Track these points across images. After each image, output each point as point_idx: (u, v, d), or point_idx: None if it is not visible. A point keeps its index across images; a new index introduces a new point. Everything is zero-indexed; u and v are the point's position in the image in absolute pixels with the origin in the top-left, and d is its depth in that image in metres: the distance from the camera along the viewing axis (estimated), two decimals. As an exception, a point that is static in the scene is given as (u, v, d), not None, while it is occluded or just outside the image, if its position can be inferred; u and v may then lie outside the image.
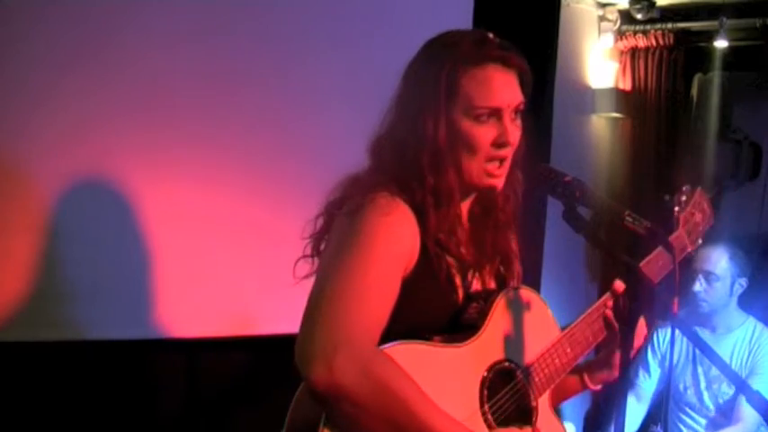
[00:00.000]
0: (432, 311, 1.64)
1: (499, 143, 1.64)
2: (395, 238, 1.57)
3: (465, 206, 1.75)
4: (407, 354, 1.52)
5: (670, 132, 4.83)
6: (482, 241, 1.75)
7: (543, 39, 4.05)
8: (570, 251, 4.32)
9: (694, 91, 4.85)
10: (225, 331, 2.95)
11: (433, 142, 1.63)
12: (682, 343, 3.55)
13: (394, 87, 1.74)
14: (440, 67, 1.64)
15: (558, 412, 1.81)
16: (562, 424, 1.79)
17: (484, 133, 1.64)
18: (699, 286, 3.45)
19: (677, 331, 3.51)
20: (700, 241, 2.09)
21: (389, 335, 1.54)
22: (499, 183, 1.69)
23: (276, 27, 3.03)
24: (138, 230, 2.73)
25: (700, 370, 3.52)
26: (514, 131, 1.67)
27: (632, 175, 4.91)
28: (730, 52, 4.61)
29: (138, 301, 2.77)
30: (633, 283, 1.54)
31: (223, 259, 2.92)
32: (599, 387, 1.87)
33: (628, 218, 1.58)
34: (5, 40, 2.44)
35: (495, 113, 1.64)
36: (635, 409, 3.63)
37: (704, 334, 3.55)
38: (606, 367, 1.85)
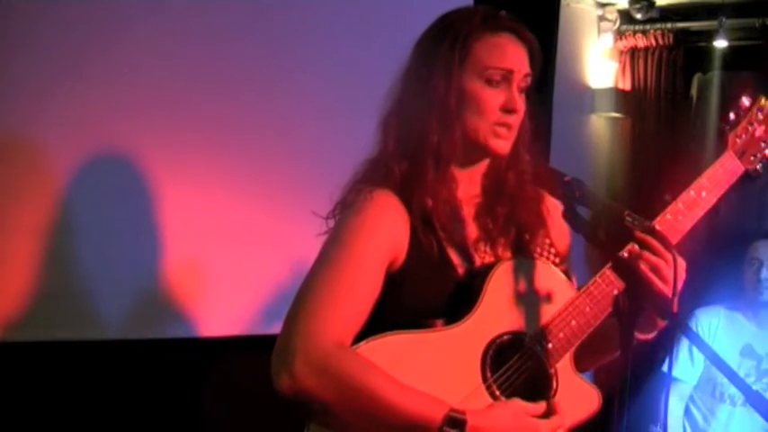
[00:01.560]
0: (430, 294, 1.64)
1: (508, 108, 1.67)
2: (370, 234, 1.60)
3: (475, 179, 1.76)
4: (388, 346, 1.54)
5: (670, 132, 4.83)
6: (494, 213, 1.75)
7: (543, 38, 4.03)
8: (570, 251, 4.32)
9: (694, 91, 4.86)
10: (231, 330, 2.96)
11: (443, 103, 1.66)
12: (729, 334, 3.53)
13: (392, 80, 1.75)
14: (455, 33, 1.68)
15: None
16: (591, 385, 1.73)
17: (493, 96, 1.67)
18: (765, 273, 3.49)
19: (712, 323, 3.59)
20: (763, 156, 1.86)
21: (390, 325, 1.57)
22: (505, 146, 1.70)
23: (282, 30, 3.03)
24: (146, 231, 2.74)
25: (749, 363, 3.50)
26: (521, 102, 1.70)
27: (632, 175, 4.91)
28: (730, 52, 4.61)
29: (143, 301, 2.77)
30: (632, 281, 1.53)
31: (230, 260, 2.93)
32: (650, 336, 1.72)
33: (627, 218, 1.57)
34: (11, 36, 2.45)
35: (507, 77, 1.68)
36: (677, 408, 3.55)
37: (750, 328, 3.56)
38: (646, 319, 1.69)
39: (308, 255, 1.70)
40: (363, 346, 1.54)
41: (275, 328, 1.53)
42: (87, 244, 2.62)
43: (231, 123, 2.90)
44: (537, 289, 1.70)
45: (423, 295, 1.63)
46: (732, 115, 1.87)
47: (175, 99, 2.78)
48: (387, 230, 1.62)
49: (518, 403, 1.60)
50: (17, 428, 2.46)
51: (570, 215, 1.61)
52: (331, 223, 1.72)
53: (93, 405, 2.61)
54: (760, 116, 1.87)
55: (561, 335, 1.67)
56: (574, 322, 1.68)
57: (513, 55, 1.69)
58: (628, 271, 1.58)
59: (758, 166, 1.85)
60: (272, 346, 1.55)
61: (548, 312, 1.69)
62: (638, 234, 1.61)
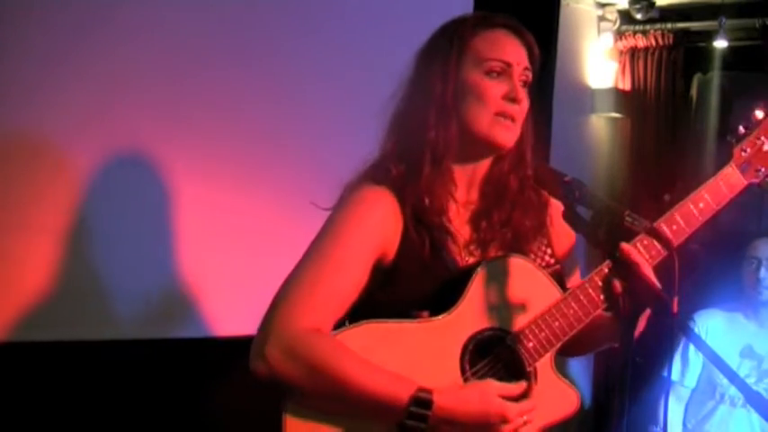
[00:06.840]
0: (419, 290, 1.67)
1: (510, 97, 1.70)
2: (357, 226, 1.65)
3: (475, 183, 1.77)
4: (367, 333, 1.59)
5: (670, 132, 4.83)
6: (490, 218, 1.76)
7: (543, 39, 4.03)
8: (573, 253, 4.32)
9: (694, 91, 4.86)
10: (230, 331, 2.96)
11: (440, 97, 1.69)
12: (728, 335, 3.53)
13: (394, 87, 1.78)
14: (451, 33, 1.72)
15: (565, 374, 1.75)
16: (571, 386, 1.74)
17: (494, 86, 1.70)
18: (764, 273, 3.49)
19: (711, 325, 3.57)
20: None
21: (382, 315, 1.62)
22: (509, 139, 1.71)
23: (277, 28, 3.04)
24: (161, 232, 2.77)
25: (749, 364, 3.50)
26: (523, 93, 1.72)
27: (632, 175, 4.90)
28: (730, 52, 4.61)
29: (141, 302, 2.78)
30: (633, 281, 1.53)
31: (243, 260, 2.94)
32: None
33: (627, 218, 1.58)
34: (30, 36, 2.47)
35: (506, 70, 1.71)
36: (675, 411, 3.55)
37: (750, 327, 3.56)
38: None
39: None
40: (342, 333, 1.59)
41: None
42: (103, 245, 2.66)
43: (247, 128, 2.94)
44: (521, 289, 1.72)
45: (412, 291, 1.66)
46: (741, 129, 1.86)
47: (191, 103, 2.81)
48: (375, 224, 1.66)
49: (490, 384, 1.63)
50: (34, 426, 2.50)
51: (570, 215, 1.62)
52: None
53: (108, 403, 2.65)
54: (766, 130, 1.85)
55: (543, 335, 1.70)
56: (557, 323, 1.71)
57: (510, 48, 1.72)
58: (628, 271, 1.58)
59: (763, 180, 1.85)
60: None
61: (531, 312, 1.71)
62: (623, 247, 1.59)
